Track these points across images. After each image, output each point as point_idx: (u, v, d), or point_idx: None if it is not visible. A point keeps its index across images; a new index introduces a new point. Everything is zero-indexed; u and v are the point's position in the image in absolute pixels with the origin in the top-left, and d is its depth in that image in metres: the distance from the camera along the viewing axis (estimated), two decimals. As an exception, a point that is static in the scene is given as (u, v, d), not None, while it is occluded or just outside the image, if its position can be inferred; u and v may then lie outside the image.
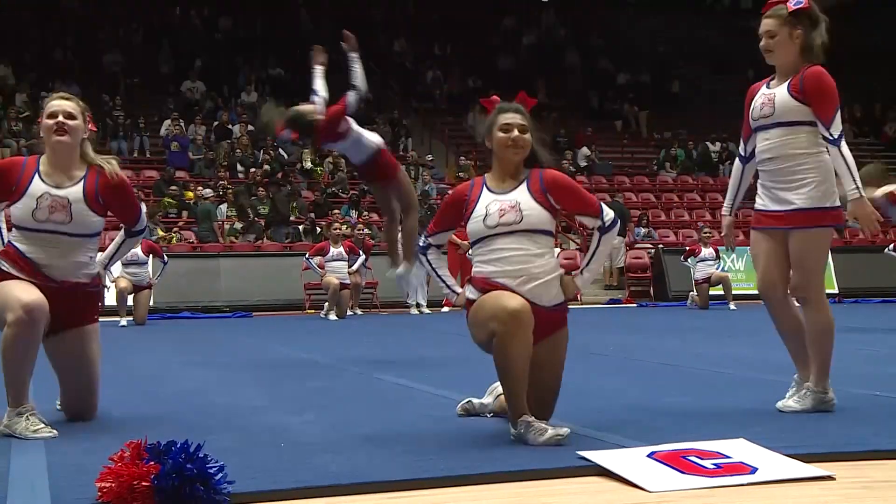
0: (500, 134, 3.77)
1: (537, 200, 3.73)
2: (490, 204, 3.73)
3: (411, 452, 3.35)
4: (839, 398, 4.23)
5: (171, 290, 14.84)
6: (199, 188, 17.74)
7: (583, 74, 25.94)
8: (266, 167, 18.81)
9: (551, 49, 26.45)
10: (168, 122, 19.82)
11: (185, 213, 17.57)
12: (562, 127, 22.84)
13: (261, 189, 17.74)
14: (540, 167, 3.85)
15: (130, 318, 12.15)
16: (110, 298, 12.81)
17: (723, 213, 4.61)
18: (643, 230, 18.70)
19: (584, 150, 22.07)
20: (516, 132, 3.76)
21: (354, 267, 14.01)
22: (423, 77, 24.29)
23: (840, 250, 18.01)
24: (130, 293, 12.31)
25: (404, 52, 25.10)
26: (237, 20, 24.61)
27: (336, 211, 17.60)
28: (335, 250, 13.71)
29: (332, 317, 13.25)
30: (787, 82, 4.15)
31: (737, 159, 4.49)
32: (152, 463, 2.66)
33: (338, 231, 14.03)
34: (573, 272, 3.86)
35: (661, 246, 18.03)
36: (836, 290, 17.13)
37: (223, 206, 17.56)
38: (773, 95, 4.16)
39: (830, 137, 4.07)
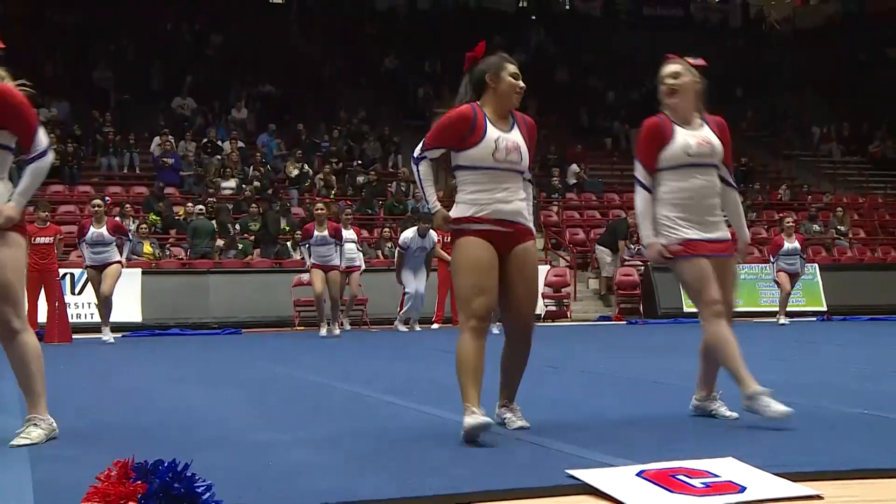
0: (512, 80, 4.24)
1: (526, 144, 4.24)
2: (498, 139, 4.14)
3: (400, 471, 3.34)
4: (828, 416, 4.24)
5: (161, 307, 14.80)
6: (189, 204, 17.72)
7: (573, 92, 26.05)
8: (256, 183, 18.80)
9: (542, 67, 26.57)
10: (158, 138, 19.81)
11: (173, 231, 17.51)
12: (552, 144, 22.92)
13: (252, 205, 17.69)
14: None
15: (117, 335, 12.08)
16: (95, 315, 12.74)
17: (650, 243, 4.55)
18: (633, 247, 18.73)
19: (574, 168, 22.13)
20: (521, 82, 4.27)
21: (358, 260, 13.85)
22: (414, 94, 24.35)
23: (828, 268, 18.10)
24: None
25: (395, 69, 25.17)
26: (228, 37, 24.64)
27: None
28: (319, 233, 12.74)
29: (324, 332, 12.94)
30: (706, 126, 4.55)
31: (644, 191, 4.53)
32: (139, 482, 2.64)
33: (322, 210, 13.04)
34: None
35: (650, 263, 18.05)
36: (824, 308, 17.18)
37: (212, 223, 17.53)
38: (706, 137, 4.51)
39: (732, 182, 4.65)
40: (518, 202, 4.19)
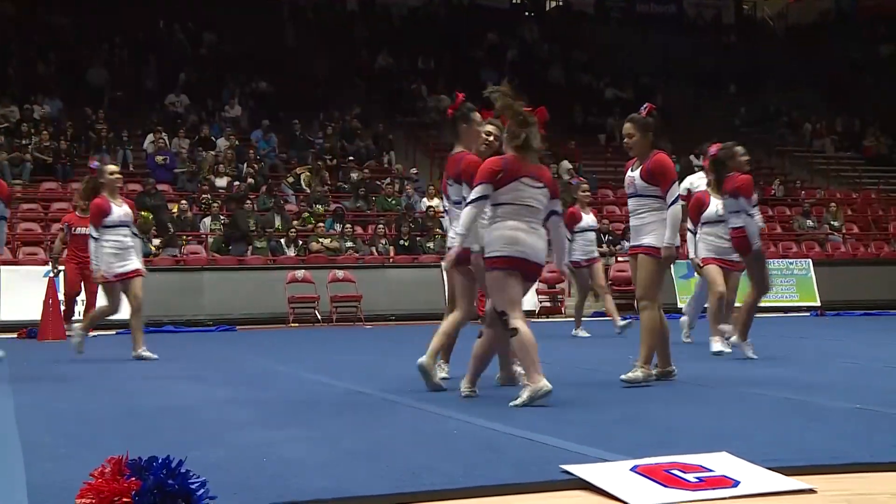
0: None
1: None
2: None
3: (395, 467, 3.34)
4: (821, 411, 4.24)
5: (155, 304, 14.72)
6: (184, 201, 17.67)
7: (566, 89, 26.03)
8: (250, 180, 18.76)
9: (535, 64, 26.54)
10: (151, 135, 19.75)
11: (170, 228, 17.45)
12: (546, 141, 22.87)
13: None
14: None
15: (111, 332, 11.79)
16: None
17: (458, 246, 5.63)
18: (627, 243, 18.74)
19: (565, 164, 22.09)
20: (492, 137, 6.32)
21: (597, 251, 11.72)
22: (408, 91, 24.31)
23: (822, 263, 18.13)
24: None
25: (388, 67, 25.13)
26: (222, 35, 24.58)
27: (320, 224, 17.56)
28: (586, 218, 11.24)
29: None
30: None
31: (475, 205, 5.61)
32: (133, 479, 2.64)
33: (586, 193, 11.29)
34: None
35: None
36: (818, 303, 17.20)
37: (207, 220, 17.46)
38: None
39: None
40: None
